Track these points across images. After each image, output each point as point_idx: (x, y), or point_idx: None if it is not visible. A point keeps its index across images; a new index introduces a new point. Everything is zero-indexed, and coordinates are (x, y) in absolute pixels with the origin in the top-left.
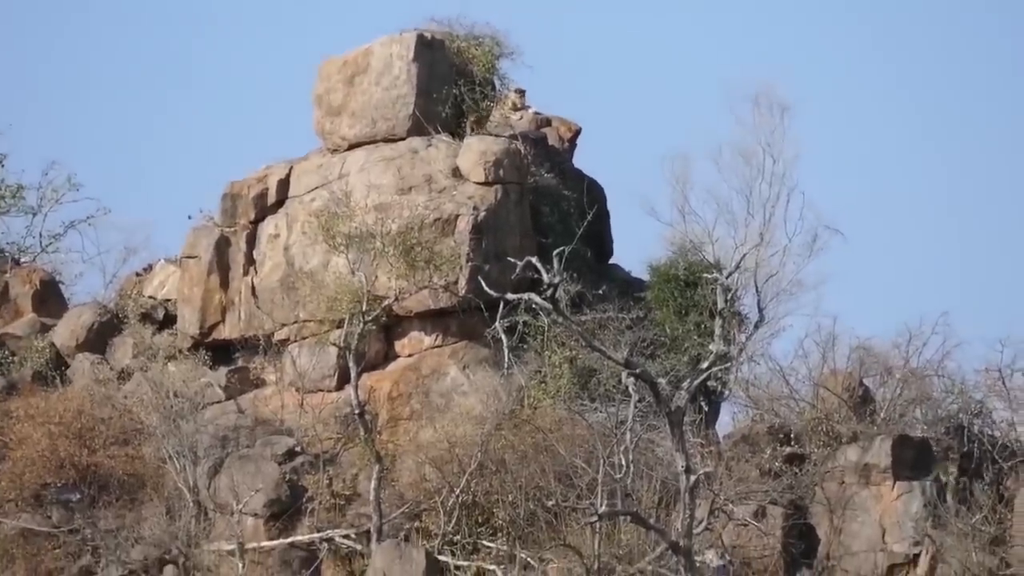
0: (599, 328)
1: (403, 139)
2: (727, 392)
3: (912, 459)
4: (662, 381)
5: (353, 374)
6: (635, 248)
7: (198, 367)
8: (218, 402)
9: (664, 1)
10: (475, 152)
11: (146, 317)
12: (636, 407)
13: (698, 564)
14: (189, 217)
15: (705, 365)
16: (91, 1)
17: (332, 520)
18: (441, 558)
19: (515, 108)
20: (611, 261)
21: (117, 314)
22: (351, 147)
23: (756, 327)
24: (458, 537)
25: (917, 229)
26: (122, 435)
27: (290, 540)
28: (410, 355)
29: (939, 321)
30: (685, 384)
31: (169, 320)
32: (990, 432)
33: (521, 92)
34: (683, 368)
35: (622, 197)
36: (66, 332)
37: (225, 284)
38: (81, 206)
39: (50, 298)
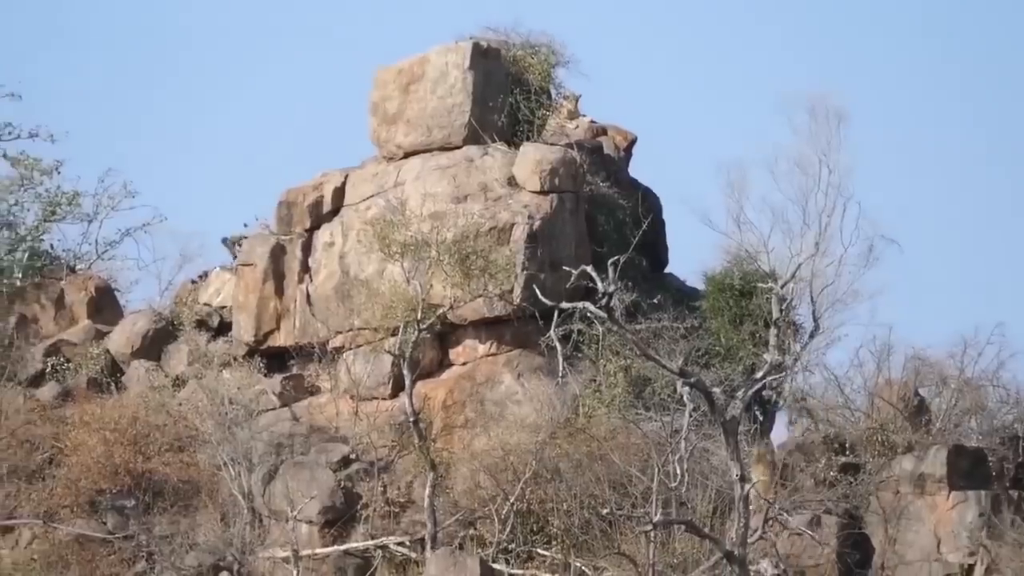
0: (654, 337)
1: (459, 147)
2: (782, 402)
3: (967, 469)
4: (717, 390)
5: (408, 382)
6: (690, 257)
7: (253, 374)
8: (273, 409)
9: (720, 10)
10: (531, 161)
11: (201, 324)
12: (691, 416)
13: (752, 573)
14: (245, 225)
15: (760, 374)
16: (147, 10)
17: (386, 527)
18: (495, 566)
19: (571, 116)
20: (666, 270)
21: (172, 321)
22: (406, 155)
23: (811, 337)
24: (512, 545)
25: (973, 239)
26: (177, 442)
27: (344, 547)
28: (464, 363)
29: (994, 331)
30: (740, 393)
31: (224, 327)
32: None
33: (575, 97)
34: (738, 377)
35: (677, 206)
36: (121, 339)
37: (280, 292)
38: (137, 213)
39: (105, 305)
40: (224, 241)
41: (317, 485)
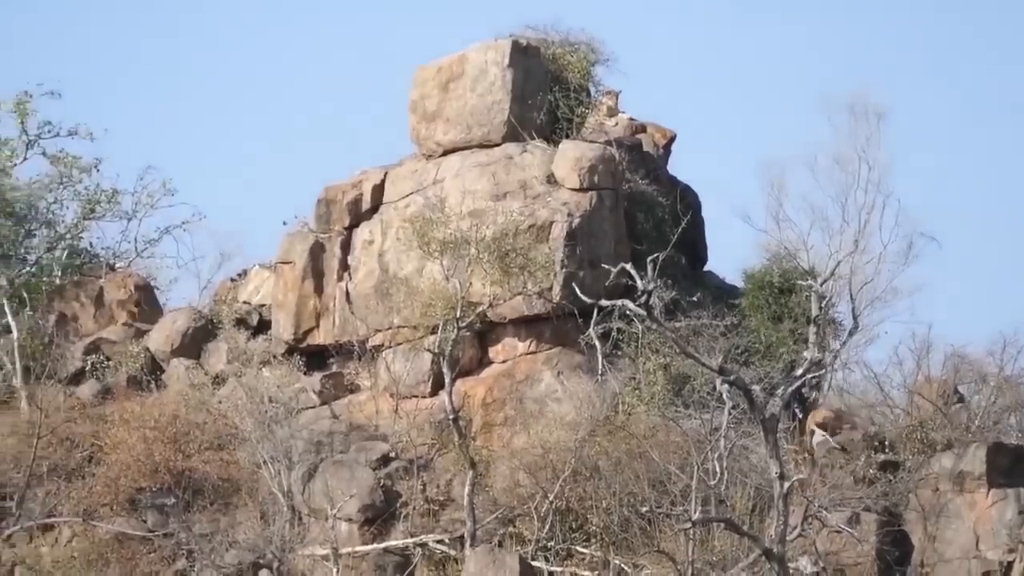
0: (693, 335)
1: (498, 145)
2: (821, 399)
3: (1006, 466)
4: (756, 388)
5: (447, 380)
6: (729, 255)
7: (292, 372)
8: (312, 407)
9: (760, 7)
10: (570, 158)
11: (241, 322)
12: (730, 414)
13: (792, 571)
14: (284, 223)
15: (799, 372)
16: (185, 8)
17: (426, 525)
18: (535, 564)
19: (610, 113)
20: (705, 268)
21: (212, 319)
22: (446, 153)
23: (851, 334)
24: (552, 543)
25: (1013, 236)
26: (216, 440)
27: (384, 545)
28: (504, 361)
29: None
30: (779, 391)
31: (263, 325)
32: None
33: (615, 93)
34: (777, 375)
35: (717, 204)
36: (161, 337)
37: (320, 290)
38: (176, 211)
39: (145, 303)
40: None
41: (357, 483)
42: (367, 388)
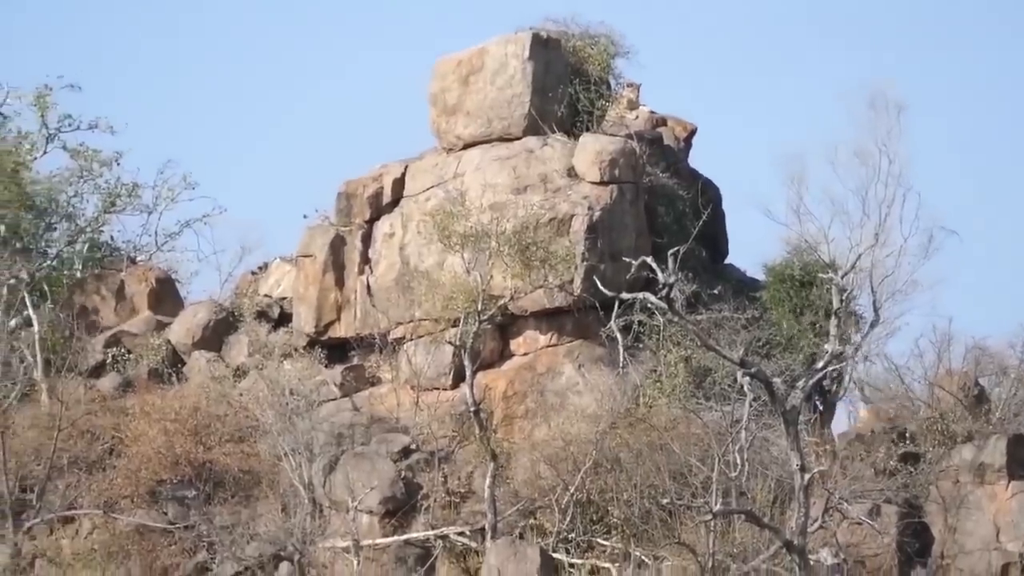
0: (714, 327)
1: (518, 138)
2: (842, 391)
3: None
4: (777, 380)
5: (468, 372)
6: (750, 248)
7: (313, 365)
8: (333, 400)
9: (780, 1)
10: (590, 151)
11: (262, 315)
12: (751, 406)
13: (812, 562)
14: (305, 216)
15: (820, 364)
16: (205, 3)
17: (447, 517)
18: (556, 556)
19: (631, 106)
20: (726, 261)
21: (233, 312)
22: (466, 146)
23: (871, 327)
24: (573, 535)
25: None
26: (237, 432)
27: (405, 537)
28: (525, 354)
29: None
30: (800, 383)
31: (284, 318)
32: None
33: (636, 86)
34: (798, 367)
35: (737, 197)
36: (182, 330)
37: (340, 283)
38: (197, 205)
39: (166, 296)
40: None
41: (378, 475)
42: (388, 381)
